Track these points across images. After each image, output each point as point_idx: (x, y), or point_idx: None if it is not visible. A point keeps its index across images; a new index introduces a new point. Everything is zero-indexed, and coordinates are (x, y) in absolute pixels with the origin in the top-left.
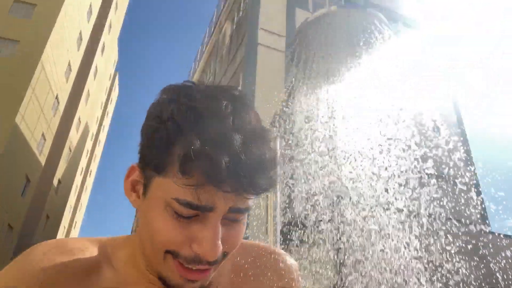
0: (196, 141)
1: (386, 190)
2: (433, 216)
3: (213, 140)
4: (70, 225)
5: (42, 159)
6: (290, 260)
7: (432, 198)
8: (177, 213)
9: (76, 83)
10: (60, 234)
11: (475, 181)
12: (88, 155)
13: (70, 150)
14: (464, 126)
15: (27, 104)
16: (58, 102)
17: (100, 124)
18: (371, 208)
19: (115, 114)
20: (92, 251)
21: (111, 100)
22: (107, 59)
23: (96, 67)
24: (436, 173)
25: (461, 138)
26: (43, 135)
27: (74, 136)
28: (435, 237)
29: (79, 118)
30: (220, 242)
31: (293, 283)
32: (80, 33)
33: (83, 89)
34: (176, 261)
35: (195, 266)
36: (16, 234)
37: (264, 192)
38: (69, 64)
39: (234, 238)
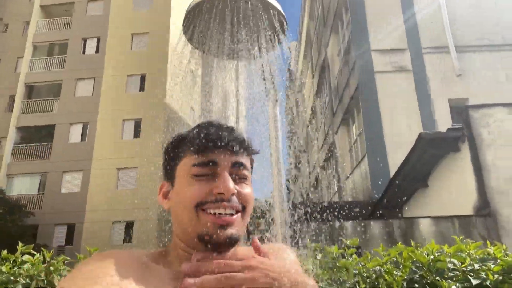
0: (197, 133)
1: None
2: None
3: (206, 133)
4: None
5: None
6: (293, 254)
7: None
8: (196, 175)
9: None
10: None
11: None
12: None
13: None
14: None
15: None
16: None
17: None
18: None
19: None
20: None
21: None
22: None
23: None
24: None
25: None
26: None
27: None
28: None
29: None
30: (232, 182)
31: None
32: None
33: None
34: (206, 213)
35: (222, 209)
36: None
37: (242, 149)
38: None
39: (246, 193)
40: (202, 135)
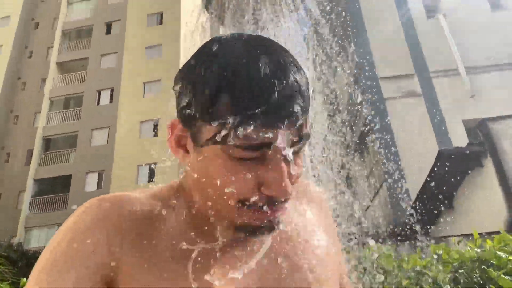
0: (246, 85)
1: None
2: None
3: (260, 83)
4: None
5: None
6: (316, 187)
7: None
8: (237, 158)
9: None
10: None
11: None
12: None
13: None
14: None
15: None
16: None
17: None
18: None
19: None
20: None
21: None
22: None
23: None
24: None
25: None
26: None
27: None
28: None
29: None
30: (288, 180)
31: (327, 207)
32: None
33: None
34: (249, 208)
35: (269, 209)
36: None
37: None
38: None
39: (299, 171)
40: (258, 101)
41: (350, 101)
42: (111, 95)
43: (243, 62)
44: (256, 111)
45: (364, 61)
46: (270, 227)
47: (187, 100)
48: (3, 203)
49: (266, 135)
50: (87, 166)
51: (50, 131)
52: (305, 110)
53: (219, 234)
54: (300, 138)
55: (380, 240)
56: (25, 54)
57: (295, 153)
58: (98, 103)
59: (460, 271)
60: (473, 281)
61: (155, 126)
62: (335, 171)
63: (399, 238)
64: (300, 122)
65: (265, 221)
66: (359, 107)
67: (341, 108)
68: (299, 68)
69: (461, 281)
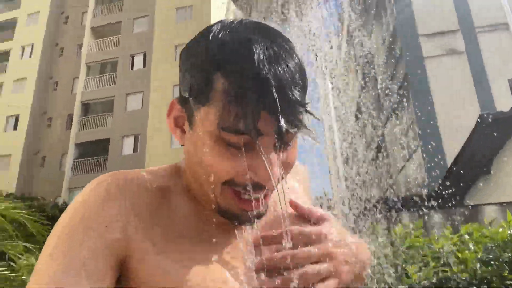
0: (240, 68)
1: None
2: None
3: (253, 68)
4: None
5: None
6: (300, 165)
7: None
8: (228, 143)
9: None
10: None
11: None
12: None
13: None
14: None
15: None
16: None
17: None
18: None
19: None
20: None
21: None
22: None
23: None
24: None
25: None
26: None
27: None
28: None
29: None
30: (277, 168)
31: (307, 181)
32: None
33: None
34: (234, 191)
35: (254, 195)
36: None
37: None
38: None
39: (290, 160)
40: (248, 82)
41: (386, 61)
42: (144, 59)
43: (238, 47)
44: (247, 96)
45: (404, 17)
46: (252, 218)
47: (184, 80)
48: (47, 166)
49: (255, 121)
50: (123, 130)
51: (87, 96)
52: (298, 98)
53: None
54: (293, 126)
55: (412, 209)
56: (60, 19)
57: (287, 142)
58: (132, 68)
59: (490, 251)
60: (504, 261)
61: None
62: (369, 135)
63: (431, 205)
64: (292, 109)
65: (246, 208)
66: (396, 66)
67: (375, 70)
68: (295, 57)
69: (491, 262)
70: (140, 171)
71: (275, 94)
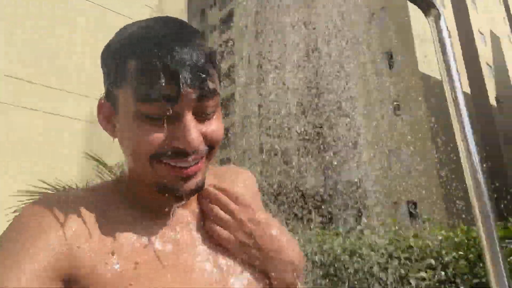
0: (147, 47)
1: None
2: None
3: (161, 44)
4: None
5: None
6: (253, 178)
7: None
8: (148, 117)
9: None
10: None
11: None
12: None
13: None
14: None
15: None
16: None
17: None
18: None
19: None
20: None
21: None
22: None
23: None
24: None
25: None
26: None
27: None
28: None
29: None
30: (196, 131)
31: (254, 186)
32: None
33: None
34: (164, 164)
35: (184, 163)
36: None
37: (211, 72)
38: None
39: (214, 132)
40: (153, 54)
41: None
42: None
43: (145, 31)
44: (154, 66)
45: None
46: (190, 190)
47: (104, 75)
48: None
49: (167, 90)
50: None
51: None
52: (200, 66)
53: (157, 207)
54: (204, 94)
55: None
56: None
57: (203, 111)
58: None
59: None
60: None
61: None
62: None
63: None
64: (195, 74)
65: (180, 174)
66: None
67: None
68: (200, 39)
69: None
70: (79, 189)
71: (177, 58)
